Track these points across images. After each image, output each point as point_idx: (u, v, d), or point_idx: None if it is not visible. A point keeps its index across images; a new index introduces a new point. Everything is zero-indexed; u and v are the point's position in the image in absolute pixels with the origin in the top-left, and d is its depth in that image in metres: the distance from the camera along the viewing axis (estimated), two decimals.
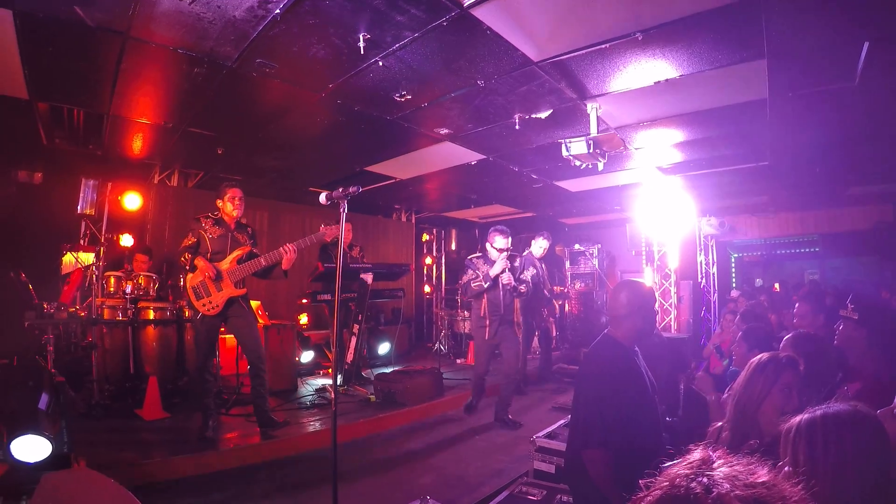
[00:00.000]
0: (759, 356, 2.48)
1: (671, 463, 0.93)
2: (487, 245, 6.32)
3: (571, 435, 3.07)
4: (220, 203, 5.38)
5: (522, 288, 6.36)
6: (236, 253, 5.28)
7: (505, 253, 6.17)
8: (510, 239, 6.25)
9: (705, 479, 0.84)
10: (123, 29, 4.00)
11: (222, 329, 5.70)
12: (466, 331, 11.06)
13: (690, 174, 8.55)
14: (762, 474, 0.86)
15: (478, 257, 6.43)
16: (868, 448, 1.46)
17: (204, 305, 5.15)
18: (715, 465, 0.89)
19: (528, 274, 6.56)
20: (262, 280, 5.78)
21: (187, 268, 5.22)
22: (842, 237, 11.89)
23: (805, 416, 1.59)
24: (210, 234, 5.28)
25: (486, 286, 6.15)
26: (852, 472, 1.44)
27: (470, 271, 6.31)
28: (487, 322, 6.27)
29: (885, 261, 11.45)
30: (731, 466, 0.88)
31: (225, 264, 5.20)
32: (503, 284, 6.18)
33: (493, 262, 6.19)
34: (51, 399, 3.60)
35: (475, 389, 6.72)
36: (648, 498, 0.87)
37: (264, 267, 5.24)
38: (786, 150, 7.20)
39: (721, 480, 0.83)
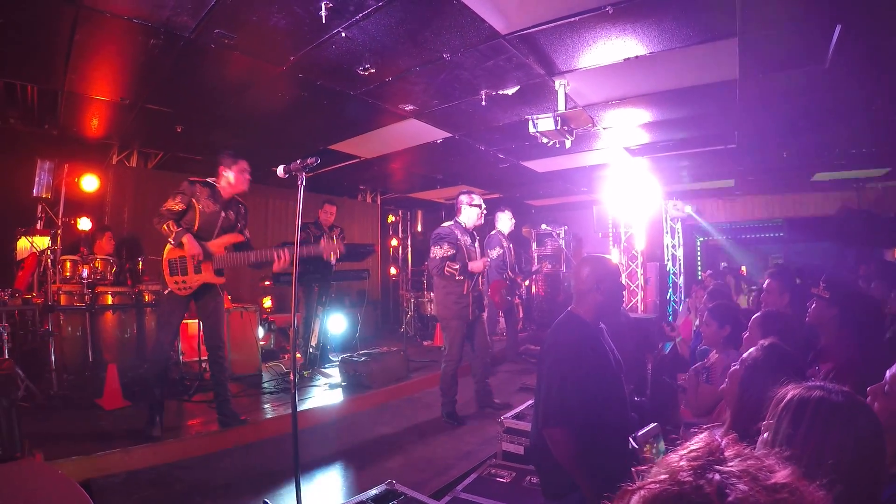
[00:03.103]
0: None
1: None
2: (464, 207, 5.91)
3: (535, 414, 3.02)
4: (224, 172, 4.91)
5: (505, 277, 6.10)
6: (226, 238, 4.89)
7: (479, 213, 5.84)
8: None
9: (717, 477, 0.71)
10: None
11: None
12: (433, 313, 10.98)
13: (658, 156, 8.57)
14: (781, 473, 0.73)
15: (451, 225, 5.87)
16: (850, 445, 1.40)
17: (176, 283, 4.76)
18: (726, 455, 0.76)
19: (493, 253, 6.35)
20: None
21: (171, 239, 4.70)
22: (806, 222, 12.10)
23: (800, 391, 1.52)
24: (203, 206, 4.79)
25: (459, 278, 5.63)
26: (827, 466, 1.37)
27: (446, 245, 5.70)
28: (470, 300, 5.72)
29: (848, 246, 11.68)
30: (744, 460, 0.75)
31: (211, 246, 4.81)
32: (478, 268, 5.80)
33: (469, 230, 5.88)
34: None
35: (451, 385, 5.77)
36: (642, 492, 0.73)
37: (253, 262, 4.87)
38: (753, 134, 7.24)
39: (735, 480, 0.70)
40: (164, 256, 4.80)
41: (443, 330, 5.95)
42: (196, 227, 4.77)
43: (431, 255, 5.80)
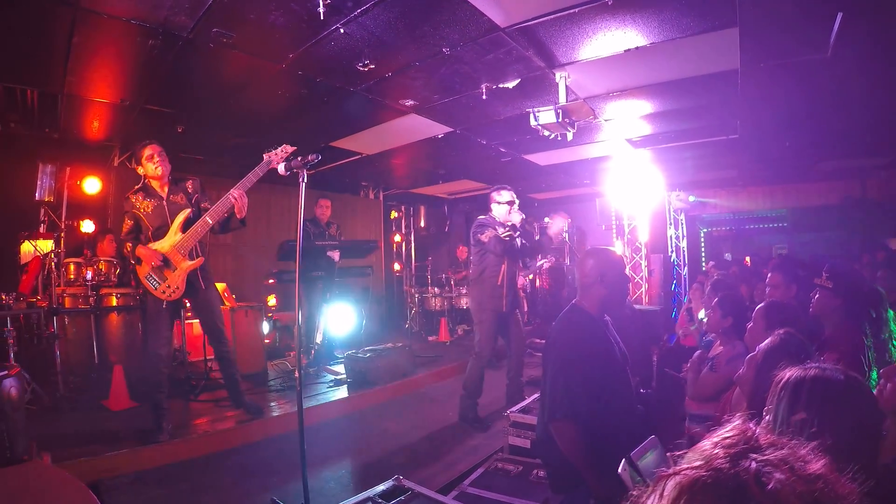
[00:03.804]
0: None
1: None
2: (493, 205, 5.67)
3: (540, 408, 3.01)
4: (140, 170, 4.78)
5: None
6: (179, 219, 4.67)
7: (509, 209, 5.60)
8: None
9: (754, 465, 0.69)
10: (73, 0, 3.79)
11: (188, 314, 5.43)
12: (437, 308, 11.06)
13: (660, 147, 8.55)
14: (816, 465, 0.72)
15: (488, 217, 5.70)
16: (847, 424, 1.38)
17: (164, 292, 4.63)
18: (761, 442, 0.74)
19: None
20: (228, 259, 5.47)
21: (132, 261, 4.68)
22: (810, 212, 12.08)
23: (797, 371, 1.53)
24: (143, 208, 4.68)
25: (516, 234, 5.46)
26: (827, 447, 1.36)
27: (489, 230, 5.49)
28: (505, 291, 5.55)
29: (852, 235, 11.64)
30: (779, 449, 0.73)
31: (170, 238, 4.63)
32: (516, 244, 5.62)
33: (503, 223, 5.59)
34: None
35: (477, 384, 5.58)
36: (678, 478, 0.71)
37: (214, 224, 4.69)
38: (756, 124, 7.22)
39: (772, 469, 0.69)
40: (140, 277, 4.69)
41: (477, 325, 5.80)
42: (151, 231, 4.69)
43: (485, 241, 5.54)
